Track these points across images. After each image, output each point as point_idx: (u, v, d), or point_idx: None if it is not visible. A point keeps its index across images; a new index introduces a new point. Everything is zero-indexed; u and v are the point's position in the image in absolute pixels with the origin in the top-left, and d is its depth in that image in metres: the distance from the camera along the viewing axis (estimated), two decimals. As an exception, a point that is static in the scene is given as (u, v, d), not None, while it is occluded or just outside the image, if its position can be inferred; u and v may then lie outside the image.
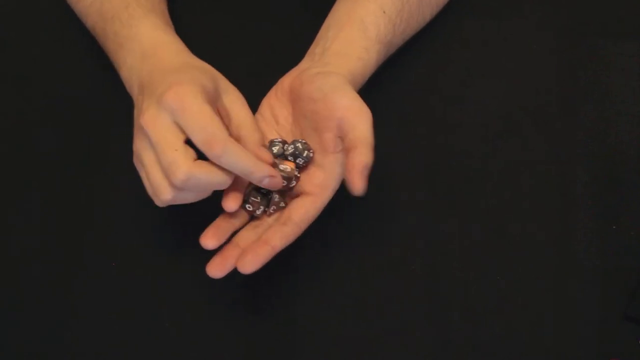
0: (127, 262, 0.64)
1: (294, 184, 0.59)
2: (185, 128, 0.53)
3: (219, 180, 0.54)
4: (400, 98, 0.70)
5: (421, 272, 0.63)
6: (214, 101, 0.56)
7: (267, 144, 0.61)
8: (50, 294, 0.62)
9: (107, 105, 0.70)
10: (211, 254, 0.62)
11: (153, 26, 0.63)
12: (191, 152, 0.53)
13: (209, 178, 0.53)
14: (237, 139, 0.57)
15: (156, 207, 0.58)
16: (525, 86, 0.71)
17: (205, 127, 0.52)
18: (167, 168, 0.53)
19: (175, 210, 0.61)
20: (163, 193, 0.54)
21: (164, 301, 0.62)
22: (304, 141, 0.59)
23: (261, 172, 0.55)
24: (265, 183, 0.55)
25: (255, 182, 0.55)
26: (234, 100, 0.59)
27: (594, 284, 0.62)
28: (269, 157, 0.58)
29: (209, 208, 0.61)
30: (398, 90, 0.70)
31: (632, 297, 0.60)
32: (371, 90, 0.64)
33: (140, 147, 0.55)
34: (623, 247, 0.63)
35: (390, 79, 0.70)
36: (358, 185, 0.54)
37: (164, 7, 0.68)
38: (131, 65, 0.62)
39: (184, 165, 0.52)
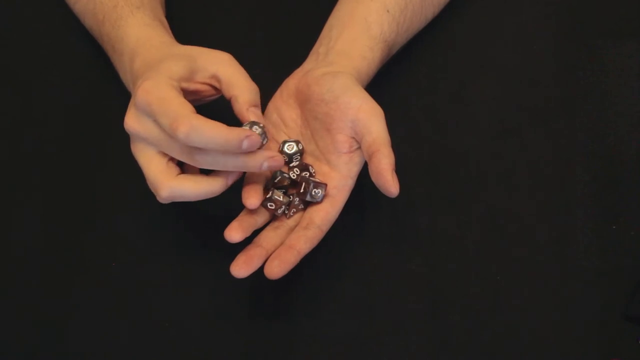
0: (127, 262, 0.63)
1: (283, 212, 0.59)
2: (155, 119, 0.53)
3: (203, 191, 0.55)
4: (401, 97, 0.70)
5: (421, 271, 0.63)
6: (188, 80, 0.56)
7: (279, 145, 0.61)
8: (50, 293, 0.62)
9: (108, 105, 0.70)
10: (209, 253, 0.62)
11: (138, 24, 0.63)
12: (173, 169, 0.55)
13: (192, 191, 0.55)
14: (231, 100, 0.57)
15: (156, 207, 0.58)
16: (525, 86, 0.71)
17: (167, 111, 0.52)
18: (152, 186, 0.55)
19: (175, 211, 0.61)
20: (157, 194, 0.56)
21: (164, 301, 0.62)
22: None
23: (236, 138, 0.51)
24: (245, 147, 0.52)
25: (235, 150, 0.52)
26: (219, 63, 0.57)
27: (594, 284, 0.62)
28: (258, 115, 0.56)
29: (209, 209, 0.62)
30: (398, 90, 0.70)
31: (632, 297, 0.61)
32: (371, 89, 0.63)
33: (135, 150, 0.56)
34: (623, 247, 0.63)
35: (390, 79, 0.70)
36: (393, 187, 0.55)
37: (155, 3, 0.67)
38: (124, 69, 0.62)
39: (165, 183, 0.54)
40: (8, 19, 0.76)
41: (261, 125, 0.55)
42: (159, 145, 0.54)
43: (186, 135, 0.51)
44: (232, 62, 0.58)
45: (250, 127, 0.55)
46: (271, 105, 0.63)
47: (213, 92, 0.58)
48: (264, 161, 0.54)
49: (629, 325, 0.60)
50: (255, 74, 0.59)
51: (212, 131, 0.51)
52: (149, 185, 0.56)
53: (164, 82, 0.54)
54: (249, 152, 0.53)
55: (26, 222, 0.65)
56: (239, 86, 0.56)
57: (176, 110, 0.52)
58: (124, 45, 0.62)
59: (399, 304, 0.62)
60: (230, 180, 0.56)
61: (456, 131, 0.69)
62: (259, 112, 0.57)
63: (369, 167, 0.56)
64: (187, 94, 0.56)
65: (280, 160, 0.56)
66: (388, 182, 0.55)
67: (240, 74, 0.57)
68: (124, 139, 0.58)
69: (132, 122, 0.54)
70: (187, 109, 0.52)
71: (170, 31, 0.65)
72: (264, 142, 0.55)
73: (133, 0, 0.65)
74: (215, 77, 0.57)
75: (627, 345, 0.59)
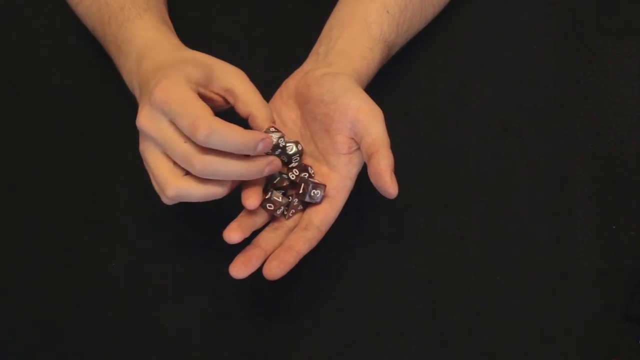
0: (127, 262, 0.63)
1: (282, 213, 0.59)
2: (173, 119, 0.53)
3: (209, 192, 0.55)
4: (401, 97, 0.70)
5: (421, 271, 0.63)
6: (204, 87, 0.57)
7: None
8: (50, 293, 0.62)
9: (108, 105, 0.70)
10: (209, 253, 0.62)
11: (146, 26, 0.63)
12: (180, 170, 0.55)
13: (198, 192, 0.55)
14: (247, 117, 0.57)
15: (156, 207, 0.58)
16: (525, 86, 0.71)
17: (188, 112, 0.52)
18: (159, 185, 0.55)
19: (175, 211, 0.61)
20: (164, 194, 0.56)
21: (164, 301, 0.62)
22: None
23: (252, 141, 0.53)
24: (260, 149, 0.54)
25: (251, 152, 0.54)
26: (234, 78, 0.58)
27: (594, 284, 0.62)
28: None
29: (208, 210, 0.61)
30: (398, 90, 0.70)
31: (632, 297, 0.61)
32: (371, 89, 0.63)
33: (143, 149, 0.56)
34: (623, 247, 0.63)
35: (390, 79, 0.70)
36: (391, 188, 0.55)
37: (161, 6, 0.68)
38: (130, 69, 0.62)
39: (172, 183, 0.54)
40: (8, 19, 0.76)
41: (281, 134, 0.57)
42: (164, 145, 0.54)
43: (206, 136, 0.51)
44: (246, 79, 0.58)
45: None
46: (270, 105, 0.62)
47: (224, 104, 0.59)
48: (265, 167, 0.55)
49: (629, 325, 0.60)
50: (255, 73, 0.59)
51: (230, 133, 0.52)
52: (154, 184, 0.56)
53: (183, 83, 0.54)
54: (250, 160, 0.55)
55: (26, 222, 0.65)
56: (256, 104, 0.57)
57: (196, 112, 0.52)
58: (131, 46, 0.62)
59: (399, 304, 0.62)
60: (234, 183, 0.56)
61: (456, 131, 0.69)
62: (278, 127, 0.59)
63: (368, 168, 0.56)
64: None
65: (278, 163, 0.56)
66: (387, 183, 0.55)
67: (255, 92, 0.58)
68: (124, 139, 0.58)
69: (145, 120, 0.54)
70: (206, 110, 0.53)
71: (175, 33, 0.65)
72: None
73: (140, 2, 0.65)
74: (230, 91, 0.58)
75: (627, 345, 0.59)
